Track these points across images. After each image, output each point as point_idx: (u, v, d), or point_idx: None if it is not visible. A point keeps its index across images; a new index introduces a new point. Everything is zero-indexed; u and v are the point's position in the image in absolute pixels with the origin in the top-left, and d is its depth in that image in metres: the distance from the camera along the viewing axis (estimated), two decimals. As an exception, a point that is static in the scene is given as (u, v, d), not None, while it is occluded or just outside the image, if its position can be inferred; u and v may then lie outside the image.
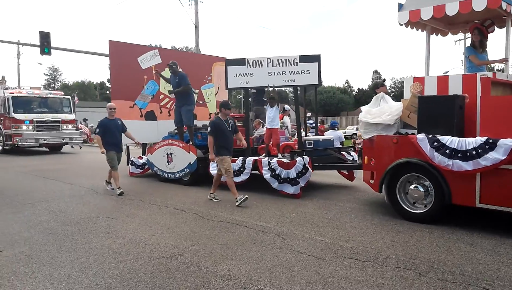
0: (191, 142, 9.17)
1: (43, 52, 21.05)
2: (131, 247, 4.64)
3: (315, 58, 8.11)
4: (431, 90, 6.06)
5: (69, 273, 3.88)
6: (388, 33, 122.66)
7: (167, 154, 9.26)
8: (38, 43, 21.06)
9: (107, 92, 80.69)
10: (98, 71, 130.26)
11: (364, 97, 61.82)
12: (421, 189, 5.60)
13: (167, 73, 10.30)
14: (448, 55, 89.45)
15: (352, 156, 8.85)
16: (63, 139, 19.12)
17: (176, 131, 9.93)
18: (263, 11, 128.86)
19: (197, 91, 11.61)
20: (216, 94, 12.71)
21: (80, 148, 21.32)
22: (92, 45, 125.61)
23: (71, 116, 19.76)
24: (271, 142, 8.45)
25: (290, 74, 8.17)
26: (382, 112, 6.24)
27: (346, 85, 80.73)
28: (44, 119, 18.41)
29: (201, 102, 12.19)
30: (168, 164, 9.26)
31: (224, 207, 6.72)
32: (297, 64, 8.13)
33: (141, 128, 10.30)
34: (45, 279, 3.75)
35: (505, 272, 3.81)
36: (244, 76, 8.36)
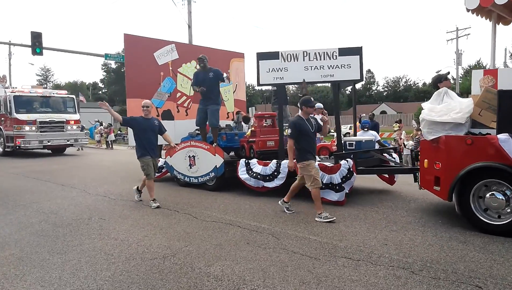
0: (215, 144, 8.45)
1: (34, 53, 20.89)
2: (123, 249, 4.60)
3: (356, 51, 7.44)
4: (507, 83, 5.40)
5: (61, 275, 3.84)
6: (380, 32, 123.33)
7: (189, 156, 8.58)
8: (30, 43, 20.91)
9: (99, 92, 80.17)
10: (91, 72, 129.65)
11: (358, 96, 61.90)
12: (501, 197, 4.87)
13: (184, 69, 9.88)
14: (440, 54, 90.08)
15: (394, 158, 8.22)
16: (67, 141, 18.21)
17: (197, 131, 9.29)
18: (257, 11, 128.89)
19: None
20: (234, 92, 11.88)
21: (82, 149, 20.48)
22: (84, 45, 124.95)
23: (76, 116, 18.92)
24: None
25: (329, 68, 7.49)
26: (450, 109, 5.45)
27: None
28: (47, 120, 17.54)
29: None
30: (190, 168, 8.58)
31: (217, 208, 6.70)
32: (336, 58, 7.45)
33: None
34: (36, 282, 3.70)
35: (498, 269, 3.83)
36: (277, 71, 7.65)
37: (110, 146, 24.68)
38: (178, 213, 6.32)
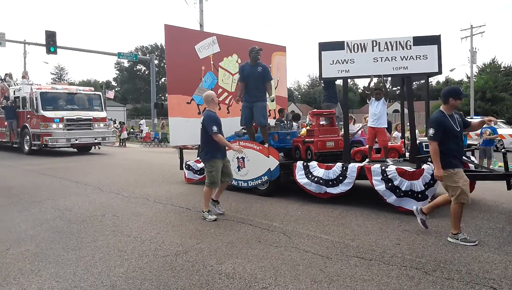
0: (266, 144, 7.62)
1: (49, 52, 21.26)
2: (136, 245, 4.65)
3: (434, 40, 6.63)
4: None
5: (75, 271, 3.89)
6: (394, 29, 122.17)
7: (237, 158, 7.83)
8: (44, 43, 21.24)
9: (112, 91, 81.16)
10: (104, 70, 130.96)
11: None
12: None
13: (225, 63, 9.43)
14: (454, 52, 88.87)
15: (473, 161, 7.43)
16: (95, 139, 17.46)
17: (243, 130, 8.55)
18: (267, 9, 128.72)
19: None
20: (275, 88, 10.85)
21: (99, 148, 19.94)
22: (97, 44, 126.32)
23: (103, 114, 18.21)
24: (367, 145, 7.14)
25: (402, 59, 6.69)
26: None
27: (351, 82, 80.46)
28: (75, 117, 16.81)
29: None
30: (239, 170, 7.85)
31: (229, 206, 6.72)
32: (410, 48, 6.65)
33: (199, 127, 9.41)
34: (51, 277, 3.76)
35: (513, 271, 3.77)
36: (342, 63, 6.87)
37: (123, 144, 24.92)
38: (190, 211, 6.36)
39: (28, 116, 16.95)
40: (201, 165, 8.78)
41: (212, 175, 5.82)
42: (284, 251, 4.39)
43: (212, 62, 9.43)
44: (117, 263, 4.09)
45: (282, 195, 7.40)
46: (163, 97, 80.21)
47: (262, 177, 7.50)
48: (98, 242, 4.79)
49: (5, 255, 4.38)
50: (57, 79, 76.09)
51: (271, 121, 9.70)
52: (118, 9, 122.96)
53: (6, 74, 20.87)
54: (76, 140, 16.78)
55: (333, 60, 6.92)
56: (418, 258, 4.12)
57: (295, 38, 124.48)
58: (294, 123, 9.31)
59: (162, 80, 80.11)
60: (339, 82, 8.48)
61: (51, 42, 21.17)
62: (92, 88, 19.30)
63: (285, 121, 9.33)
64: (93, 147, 19.07)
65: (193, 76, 9.10)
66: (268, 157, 7.38)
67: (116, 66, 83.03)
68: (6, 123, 17.82)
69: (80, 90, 18.20)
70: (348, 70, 6.89)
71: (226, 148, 6.13)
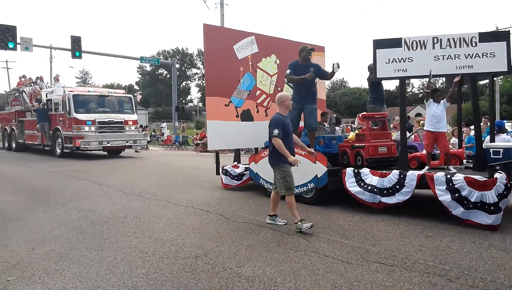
0: (312, 149, 6.98)
1: (74, 56, 21.77)
2: (157, 247, 4.71)
3: (503, 36, 6.23)
4: None
5: (98, 271, 3.97)
6: (416, 31, 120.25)
7: None
8: (70, 47, 21.78)
9: (134, 94, 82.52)
10: (126, 74, 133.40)
11: (391, 98, 60.70)
12: None
13: (264, 64, 9.13)
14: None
15: None
16: (127, 142, 17.16)
17: None
18: (286, 12, 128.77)
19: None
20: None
21: (137, 151, 19.62)
22: (120, 49, 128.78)
23: (134, 117, 18.00)
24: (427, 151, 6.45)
25: (467, 58, 6.20)
26: None
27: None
28: (106, 120, 16.67)
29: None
30: None
31: (249, 209, 6.73)
32: (476, 45, 6.16)
33: (237, 130, 8.73)
34: (74, 277, 3.85)
35: (541, 280, 3.65)
36: (399, 62, 6.38)
37: (146, 147, 25.23)
38: (210, 214, 6.40)
39: (61, 118, 16.86)
40: (238, 170, 8.56)
41: (287, 180, 5.41)
42: (304, 255, 4.37)
43: (250, 63, 9.12)
44: (139, 264, 4.14)
45: (262, 191, 7.35)
46: (183, 101, 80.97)
47: (308, 184, 6.95)
48: (120, 243, 4.87)
49: (31, 255, 4.50)
50: (81, 83, 77.92)
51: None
52: (140, 14, 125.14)
53: (37, 77, 21.25)
54: (108, 142, 16.55)
55: (389, 59, 6.43)
56: (441, 265, 4.04)
57: (314, 41, 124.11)
58: (336, 127, 8.90)
59: (183, 84, 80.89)
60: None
61: (76, 47, 21.69)
62: (123, 91, 19.20)
63: (329, 125, 8.87)
64: (123, 150, 18.83)
65: (232, 77, 8.81)
66: (315, 163, 6.81)
67: (139, 70, 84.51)
68: (38, 125, 17.81)
69: (111, 93, 18.17)
70: (406, 69, 6.39)
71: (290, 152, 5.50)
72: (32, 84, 20.06)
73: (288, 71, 7.46)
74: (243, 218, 6.08)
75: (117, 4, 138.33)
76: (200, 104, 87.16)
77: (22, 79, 21.40)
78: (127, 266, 4.09)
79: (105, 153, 18.29)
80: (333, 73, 7.42)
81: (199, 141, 23.23)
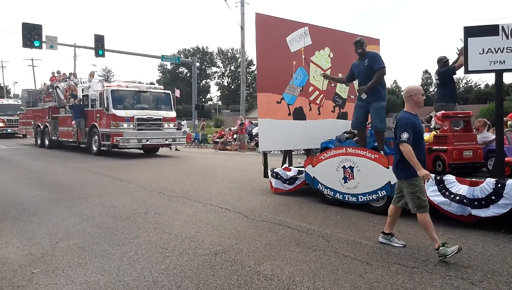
0: (381, 152, 6.47)
1: (97, 54, 22.18)
2: (177, 243, 4.76)
3: None
4: None
5: (119, 266, 4.04)
6: (441, 31, 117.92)
7: (343, 167, 6.62)
8: (93, 46, 22.20)
9: (178, 90, 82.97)
10: (147, 72, 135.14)
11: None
12: None
13: (317, 57, 8.49)
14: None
15: None
16: (165, 140, 16.28)
17: (346, 135, 7.61)
18: (310, 11, 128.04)
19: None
20: None
21: (177, 149, 18.82)
22: (142, 47, 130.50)
23: (173, 114, 17.11)
24: None
25: None
26: None
27: (394, 85, 78.42)
28: (145, 117, 15.78)
29: (352, 97, 9.10)
30: (346, 182, 6.60)
31: (267, 207, 6.74)
32: None
33: (289, 130, 8.08)
34: (96, 271, 3.93)
35: None
36: (496, 52, 5.49)
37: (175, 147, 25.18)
38: (229, 211, 6.43)
39: (98, 115, 16.05)
40: (291, 173, 7.83)
41: (417, 197, 4.42)
42: (323, 255, 4.35)
43: (303, 56, 8.36)
44: (159, 260, 4.20)
45: (320, 198, 7.32)
46: (203, 99, 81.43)
47: (379, 192, 6.16)
48: (141, 239, 4.95)
49: (55, 248, 4.62)
50: (104, 81, 79.36)
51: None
52: (161, 13, 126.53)
53: (70, 73, 20.96)
54: (147, 140, 15.65)
55: (483, 49, 5.54)
56: (464, 268, 3.96)
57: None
58: None
59: (203, 82, 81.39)
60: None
61: (99, 46, 22.09)
62: (161, 87, 18.19)
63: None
64: (174, 148, 17.93)
65: (284, 71, 8.09)
66: (388, 167, 5.96)
67: (160, 68, 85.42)
68: (73, 122, 17.16)
69: (150, 89, 17.27)
70: (504, 61, 5.52)
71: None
72: (67, 79, 19.58)
73: (346, 75, 7.26)
74: (262, 216, 6.09)
75: (139, 3, 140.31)
76: (220, 103, 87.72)
77: (56, 75, 20.84)
78: (147, 261, 4.15)
79: (141, 151, 17.45)
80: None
81: (217, 139, 23.35)
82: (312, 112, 8.50)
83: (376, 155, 6.28)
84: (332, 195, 6.85)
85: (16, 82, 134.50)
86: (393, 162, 4.73)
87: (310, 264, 4.09)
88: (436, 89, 8.03)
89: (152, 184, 9.14)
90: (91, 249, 4.59)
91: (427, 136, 6.33)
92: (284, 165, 8.31)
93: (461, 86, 76.31)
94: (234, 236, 5.09)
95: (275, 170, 8.12)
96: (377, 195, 6.22)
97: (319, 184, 7.07)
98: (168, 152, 17.33)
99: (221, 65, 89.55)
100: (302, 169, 7.62)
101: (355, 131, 7.36)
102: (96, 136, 16.22)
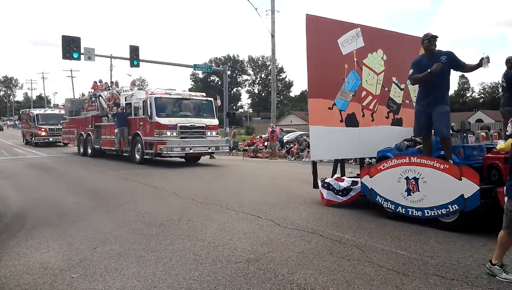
0: (450, 161, 5.89)
1: (132, 65, 22.79)
2: (210, 250, 4.81)
3: None
4: None
5: (154, 272, 4.12)
6: (472, 35, 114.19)
7: (406, 178, 6.04)
8: (128, 56, 22.86)
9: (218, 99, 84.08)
10: (180, 81, 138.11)
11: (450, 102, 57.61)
12: None
13: (370, 60, 8.08)
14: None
15: None
16: (208, 148, 15.89)
17: (406, 143, 7.14)
18: (338, 15, 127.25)
19: (402, 86, 8.58)
20: None
21: (213, 157, 18.35)
22: (174, 57, 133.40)
23: (215, 121, 16.67)
24: None
25: None
26: None
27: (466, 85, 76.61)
28: (188, 124, 15.38)
29: (407, 102, 8.63)
30: (409, 194, 6.00)
31: (299, 215, 6.69)
32: None
33: (341, 137, 7.66)
34: (133, 276, 4.02)
35: None
36: None
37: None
38: (261, 219, 6.43)
39: (141, 123, 15.72)
40: (344, 184, 7.28)
41: None
42: (357, 265, 4.27)
43: (355, 59, 7.91)
44: (193, 267, 4.25)
45: (354, 206, 7.20)
46: (234, 107, 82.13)
47: (449, 206, 5.54)
48: (175, 245, 5.02)
49: (93, 253, 4.76)
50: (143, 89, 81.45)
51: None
52: (193, 23, 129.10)
53: (112, 82, 21.03)
54: (191, 149, 15.21)
55: None
56: (509, 283, 3.78)
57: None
58: (472, 137, 7.24)
59: (234, 90, 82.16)
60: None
61: (134, 56, 22.72)
62: (204, 94, 17.93)
63: (459, 131, 7.27)
64: (202, 157, 17.30)
65: (336, 75, 7.68)
66: (461, 179, 5.44)
67: (192, 77, 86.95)
68: (116, 130, 16.86)
69: (192, 96, 16.94)
70: None
71: None
72: (109, 88, 19.60)
73: (410, 72, 6.37)
74: (294, 224, 6.06)
75: (172, 15, 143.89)
76: (250, 110, 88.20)
77: (99, 84, 20.98)
78: (181, 268, 4.21)
79: (182, 160, 16.97)
80: (477, 66, 6.05)
81: (247, 147, 23.43)
82: (365, 118, 8.01)
83: (445, 165, 5.63)
84: (393, 208, 6.26)
85: (56, 93, 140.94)
86: (508, 180, 4.16)
87: (344, 273, 4.03)
88: (502, 92, 7.47)
89: (185, 191, 9.27)
90: (127, 255, 4.70)
91: (502, 144, 5.88)
92: (336, 175, 7.78)
93: (499, 90, 73.37)
94: (266, 244, 5.08)
95: (326, 181, 7.60)
96: (447, 210, 5.58)
97: (378, 197, 6.48)
98: (202, 160, 17.40)
99: (251, 73, 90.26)
100: (356, 179, 7.19)
101: (416, 138, 6.91)
102: (139, 145, 16.01)
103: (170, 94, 16.14)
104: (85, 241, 5.29)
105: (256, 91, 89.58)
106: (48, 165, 16.44)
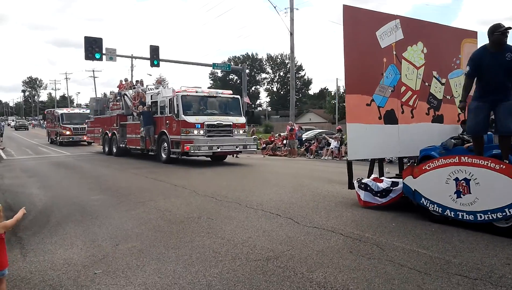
0: (506, 161, 5.56)
1: (152, 64, 23.02)
2: (229, 248, 4.83)
3: None
4: None
5: (175, 269, 4.17)
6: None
7: (456, 179, 5.64)
8: (149, 56, 23.13)
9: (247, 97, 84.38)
10: (199, 80, 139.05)
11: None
12: None
13: (409, 53, 7.72)
14: None
15: None
16: (236, 147, 15.43)
17: (453, 141, 6.83)
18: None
19: (443, 80, 8.16)
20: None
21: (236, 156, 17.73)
22: (194, 56, 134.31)
23: (242, 120, 16.31)
24: None
25: None
26: None
27: None
28: (215, 123, 15.10)
29: (448, 97, 8.24)
30: (459, 197, 5.60)
31: (319, 214, 6.66)
32: None
33: (379, 136, 7.35)
34: (154, 273, 4.08)
35: None
36: None
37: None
38: (280, 217, 6.43)
39: (167, 121, 15.51)
40: (383, 185, 6.92)
41: None
42: (378, 264, 4.22)
43: (394, 52, 7.54)
44: (212, 264, 4.29)
45: (420, 213, 7.11)
46: (253, 105, 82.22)
47: (506, 210, 5.12)
48: (195, 243, 5.07)
49: (115, 250, 4.85)
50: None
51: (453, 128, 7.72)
52: (212, 22, 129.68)
53: (137, 81, 20.67)
54: (218, 148, 14.86)
55: None
56: (534, 282, 3.68)
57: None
58: None
59: (253, 88, 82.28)
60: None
61: (154, 56, 22.97)
62: (230, 91, 17.56)
63: None
64: (229, 155, 17.15)
65: (374, 70, 7.32)
66: None
67: (211, 76, 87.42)
68: (142, 129, 16.82)
69: (219, 94, 16.59)
70: None
71: None
72: (135, 86, 19.36)
73: (467, 69, 5.95)
74: (313, 222, 6.03)
75: (191, 15, 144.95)
76: (269, 108, 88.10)
77: (124, 83, 20.92)
78: (201, 265, 4.25)
79: (208, 159, 16.80)
80: None
81: (265, 145, 23.42)
82: (404, 115, 7.64)
83: (502, 166, 5.21)
84: (440, 211, 5.83)
85: (79, 93, 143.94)
86: None
87: (365, 272, 3.99)
88: None
89: (205, 189, 9.34)
90: (148, 251, 4.77)
91: None
92: (373, 176, 7.39)
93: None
94: (285, 242, 5.07)
95: (363, 181, 7.23)
96: (504, 214, 5.14)
97: (423, 199, 6.07)
98: (226, 158, 17.23)
99: (270, 71, 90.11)
100: (397, 180, 6.88)
101: (464, 136, 6.48)
102: (165, 143, 15.77)
103: (196, 92, 15.78)
104: (107, 238, 5.40)
105: (274, 89, 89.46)
106: (72, 163, 16.80)
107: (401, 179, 6.64)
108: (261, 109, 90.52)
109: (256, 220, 6.26)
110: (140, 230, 5.77)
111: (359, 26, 7.24)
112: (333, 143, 18.98)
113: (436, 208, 5.90)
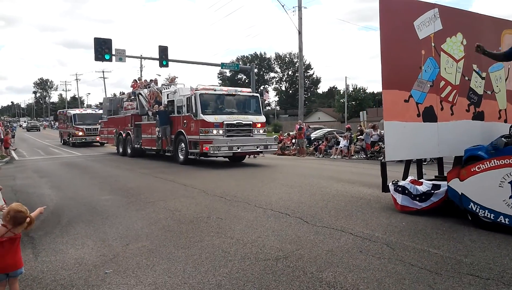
0: None
1: (161, 65, 23.16)
2: (239, 247, 4.84)
3: None
4: None
5: (184, 268, 4.19)
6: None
7: (511, 183, 5.08)
8: (158, 57, 23.26)
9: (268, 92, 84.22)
10: (208, 80, 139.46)
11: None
12: None
13: (448, 45, 7.16)
14: None
15: None
16: (256, 147, 14.74)
17: (504, 140, 5.94)
18: (365, 12, 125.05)
19: (484, 74, 7.56)
20: (506, 80, 7.85)
21: (255, 157, 17.33)
22: (202, 56, 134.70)
23: (262, 118, 15.65)
24: None
25: None
26: None
27: None
28: (235, 122, 14.47)
29: (489, 92, 7.63)
30: None
31: (328, 213, 6.64)
32: None
33: (418, 134, 6.81)
34: (163, 273, 4.10)
35: None
36: None
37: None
38: (289, 217, 6.42)
39: (185, 121, 14.94)
40: (422, 188, 6.43)
41: None
42: (388, 263, 4.19)
43: (433, 44, 6.98)
44: (222, 264, 4.29)
45: (384, 204, 7.07)
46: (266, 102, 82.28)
47: None
48: (204, 242, 5.09)
49: (125, 250, 4.89)
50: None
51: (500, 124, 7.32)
52: (220, 22, 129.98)
53: (151, 80, 20.11)
54: (238, 148, 14.19)
55: None
56: (548, 282, 3.63)
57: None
58: None
59: (261, 87, 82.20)
60: None
61: (163, 56, 23.10)
62: (250, 89, 16.99)
63: None
64: (247, 156, 16.55)
65: (412, 63, 6.82)
66: None
67: (219, 75, 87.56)
68: (158, 129, 16.37)
69: (238, 92, 15.98)
70: None
71: None
72: (149, 86, 18.83)
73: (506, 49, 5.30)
74: (323, 222, 6.01)
75: (199, 14, 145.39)
76: (278, 107, 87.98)
77: (138, 82, 20.41)
78: (211, 265, 4.26)
79: (226, 159, 16.28)
80: None
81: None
82: (444, 112, 7.04)
83: None
84: (492, 218, 5.28)
85: (89, 93, 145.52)
86: None
87: (375, 272, 3.97)
88: None
89: (214, 189, 9.36)
90: (158, 251, 4.80)
91: None
92: (411, 178, 6.90)
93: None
94: (295, 241, 5.07)
95: (399, 183, 6.78)
96: None
97: (471, 203, 5.52)
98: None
99: (278, 70, 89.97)
100: (438, 183, 6.42)
101: None
102: (183, 144, 15.19)
103: (215, 90, 15.26)
104: (117, 237, 5.44)
105: (283, 88, 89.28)
106: (83, 164, 16.95)
107: (444, 182, 6.15)
108: (269, 108, 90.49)
109: (265, 220, 6.26)
110: (150, 230, 5.81)
111: (395, 17, 6.81)
112: (343, 142, 18.89)
113: (487, 214, 5.34)
